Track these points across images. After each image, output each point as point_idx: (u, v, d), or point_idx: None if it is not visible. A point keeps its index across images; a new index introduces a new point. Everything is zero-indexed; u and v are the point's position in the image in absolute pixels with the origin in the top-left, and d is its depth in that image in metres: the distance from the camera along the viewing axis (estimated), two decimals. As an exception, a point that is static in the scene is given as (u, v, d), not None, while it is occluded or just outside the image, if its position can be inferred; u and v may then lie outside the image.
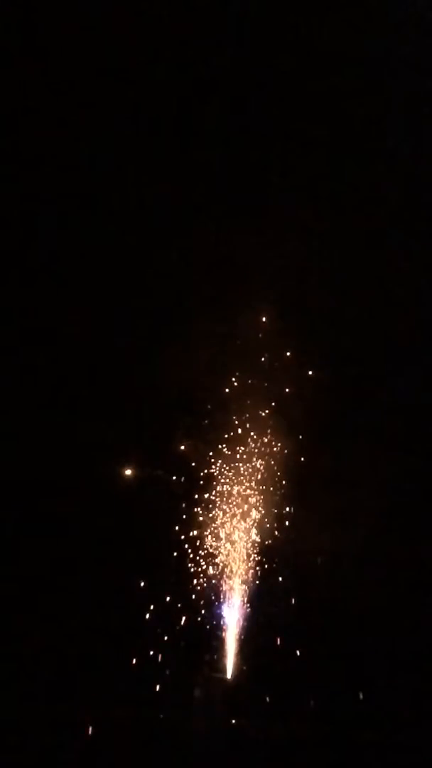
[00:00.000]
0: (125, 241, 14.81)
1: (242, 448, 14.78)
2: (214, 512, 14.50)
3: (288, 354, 15.37)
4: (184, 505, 14.45)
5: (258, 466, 14.71)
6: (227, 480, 14.66)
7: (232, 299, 15.04)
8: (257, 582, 14.26)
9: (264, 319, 15.46)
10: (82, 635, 13.37)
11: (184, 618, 13.97)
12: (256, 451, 14.76)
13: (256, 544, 14.43)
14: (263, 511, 14.55)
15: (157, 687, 13.45)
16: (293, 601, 14.00)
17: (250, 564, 14.36)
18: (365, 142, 15.36)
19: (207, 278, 14.84)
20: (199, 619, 14.04)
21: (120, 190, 14.85)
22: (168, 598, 13.97)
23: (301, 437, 14.70)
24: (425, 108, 15.63)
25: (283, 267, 15.06)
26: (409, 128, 15.61)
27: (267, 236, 14.90)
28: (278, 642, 13.85)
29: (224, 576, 14.27)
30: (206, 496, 14.55)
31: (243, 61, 15.03)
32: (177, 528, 14.37)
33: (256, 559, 14.38)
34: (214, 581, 14.22)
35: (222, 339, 15.09)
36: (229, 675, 13.82)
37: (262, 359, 15.36)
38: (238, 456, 14.74)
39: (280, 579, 14.17)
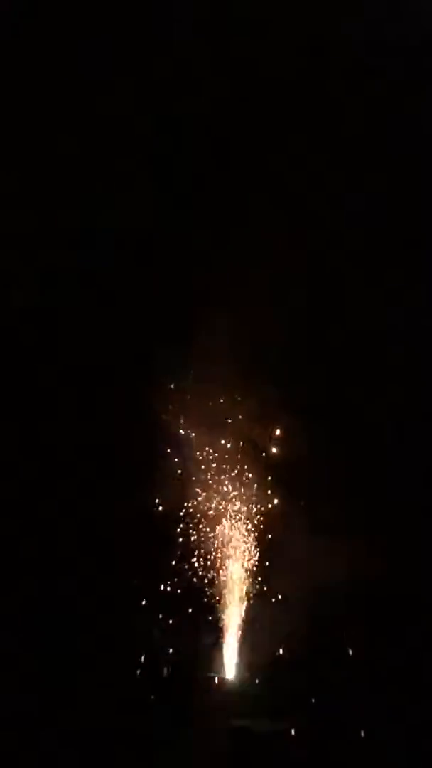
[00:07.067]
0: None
1: None
2: (215, 514, 14.47)
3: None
4: (185, 506, 14.39)
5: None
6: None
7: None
8: (258, 582, 14.28)
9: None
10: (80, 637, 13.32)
11: (184, 618, 13.97)
12: None
13: (257, 545, 14.42)
14: (266, 512, 14.54)
15: (157, 687, 13.44)
16: (294, 602, 14.01)
17: (251, 564, 14.36)
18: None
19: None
20: (199, 619, 14.05)
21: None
22: (167, 598, 13.95)
23: None
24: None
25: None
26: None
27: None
28: (279, 642, 13.88)
29: (225, 574, 14.27)
30: (211, 499, 14.51)
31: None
32: (176, 527, 14.32)
33: (258, 559, 14.38)
34: (214, 580, 14.22)
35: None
36: (229, 675, 13.86)
37: None
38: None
39: (281, 579, 14.17)
